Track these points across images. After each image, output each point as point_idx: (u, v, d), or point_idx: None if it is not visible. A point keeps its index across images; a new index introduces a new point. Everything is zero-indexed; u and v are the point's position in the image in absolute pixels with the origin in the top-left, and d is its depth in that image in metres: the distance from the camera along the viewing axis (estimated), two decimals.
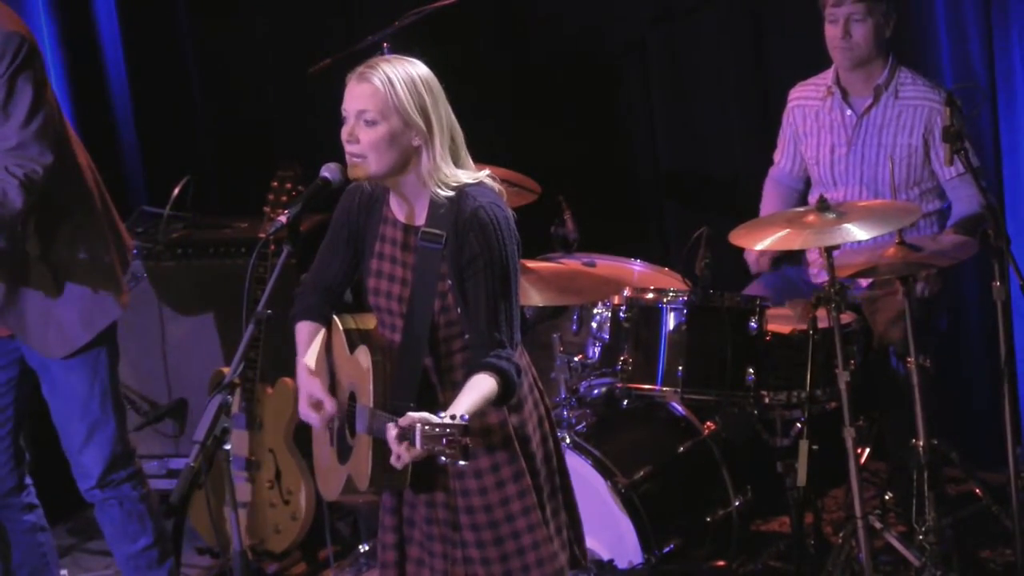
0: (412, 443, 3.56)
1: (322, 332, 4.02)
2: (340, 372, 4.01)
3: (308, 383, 3.93)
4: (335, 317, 4.01)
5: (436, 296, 3.83)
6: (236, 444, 5.61)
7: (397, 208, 3.92)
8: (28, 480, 4.99)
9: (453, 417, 3.55)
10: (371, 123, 3.78)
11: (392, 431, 3.60)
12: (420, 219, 3.87)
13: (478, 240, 3.78)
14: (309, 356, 3.97)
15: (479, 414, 3.76)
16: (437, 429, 3.54)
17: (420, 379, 3.85)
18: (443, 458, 3.55)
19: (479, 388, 3.73)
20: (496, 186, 3.89)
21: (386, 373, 3.87)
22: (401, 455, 3.60)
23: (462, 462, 3.56)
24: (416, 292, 3.86)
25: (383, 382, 3.86)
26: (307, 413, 3.93)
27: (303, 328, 4.03)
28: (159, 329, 6.10)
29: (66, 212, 4.72)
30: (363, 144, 3.79)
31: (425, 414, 3.58)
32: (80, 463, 4.87)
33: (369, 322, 3.99)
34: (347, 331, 3.97)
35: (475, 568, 3.93)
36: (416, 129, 3.78)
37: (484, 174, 3.88)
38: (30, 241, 4.68)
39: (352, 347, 3.94)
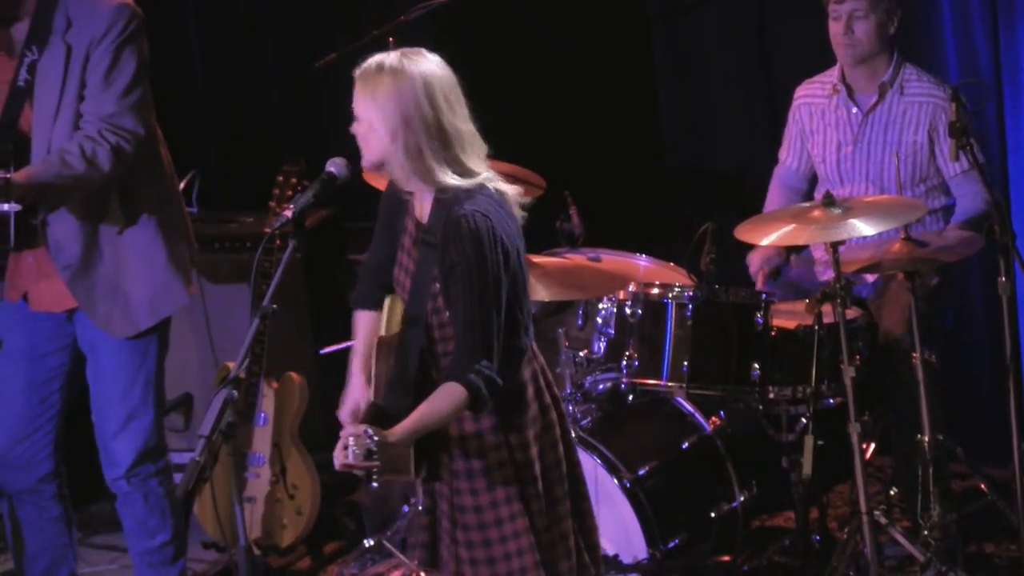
0: (348, 453, 3.63)
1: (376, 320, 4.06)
2: (374, 355, 4.03)
3: (355, 390, 4.00)
4: (387, 299, 4.01)
5: (429, 297, 3.84)
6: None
7: (415, 203, 3.93)
8: (62, 470, 4.94)
9: (381, 436, 3.62)
10: (364, 124, 3.79)
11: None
12: (426, 218, 3.88)
13: (457, 249, 3.76)
14: (363, 359, 4.02)
15: (457, 422, 3.84)
16: (360, 446, 3.61)
17: (418, 376, 3.86)
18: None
19: (434, 405, 3.75)
20: (503, 189, 3.85)
21: (389, 366, 3.88)
22: (337, 457, 3.67)
23: (373, 484, 3.64)
24: (415, 290, 3.87)
25: (386, 375, 3.88)
26: (346, 419, 3.98)
27: (359, 317, 4.09)
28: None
29: (146, 195, 4.72)
30: (361, 143, 3.82)
31: (366, 428, 3.63)
32: (111, 450, 4.83)
33: None
34: (388, 318, 3.98)
35: (464, 568, 3.95)
36: (409, 130, 3.77)
37: (486, 178, 3.84)
38: (110, 217, 4.68)
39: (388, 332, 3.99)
